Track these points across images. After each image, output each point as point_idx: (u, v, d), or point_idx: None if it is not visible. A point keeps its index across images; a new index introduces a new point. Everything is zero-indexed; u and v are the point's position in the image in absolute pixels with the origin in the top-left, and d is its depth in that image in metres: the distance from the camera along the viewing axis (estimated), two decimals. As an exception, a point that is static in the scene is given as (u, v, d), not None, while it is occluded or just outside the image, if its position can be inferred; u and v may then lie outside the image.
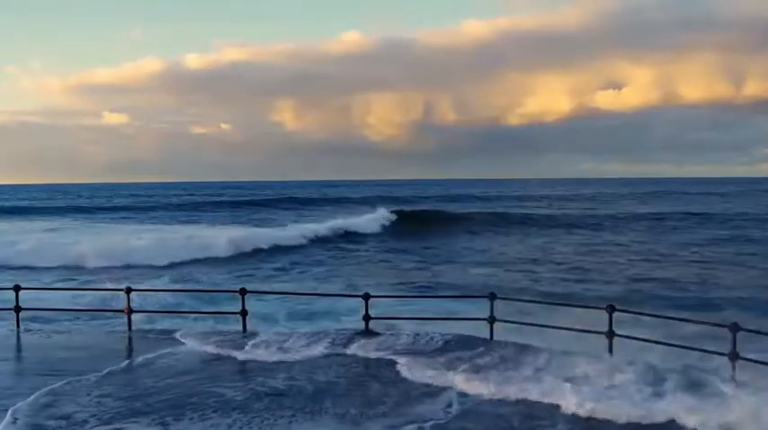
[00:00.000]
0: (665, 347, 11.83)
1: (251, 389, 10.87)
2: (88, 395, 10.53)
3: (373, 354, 12.91)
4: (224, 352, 13.14)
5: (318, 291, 23.63)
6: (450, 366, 11.81)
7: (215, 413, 9.69)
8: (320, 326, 15.66)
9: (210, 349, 13.37)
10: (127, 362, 12.60)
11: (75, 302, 19.63)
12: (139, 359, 12.77)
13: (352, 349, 13.22)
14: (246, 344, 13.55)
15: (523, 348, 12.97)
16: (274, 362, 12.44)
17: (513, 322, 14.27)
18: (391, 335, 14.18)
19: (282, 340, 13.82)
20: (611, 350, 12.33)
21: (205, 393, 10.56)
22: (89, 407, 9.95)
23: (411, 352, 12.94)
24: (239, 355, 12.94)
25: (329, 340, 13.72)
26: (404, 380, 11.44)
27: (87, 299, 19.51)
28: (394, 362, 12.28)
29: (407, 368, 11.89)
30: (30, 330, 15.65)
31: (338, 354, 12.97)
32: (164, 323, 16.32)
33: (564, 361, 11.73)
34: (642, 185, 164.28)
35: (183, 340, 14.09)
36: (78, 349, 13.74)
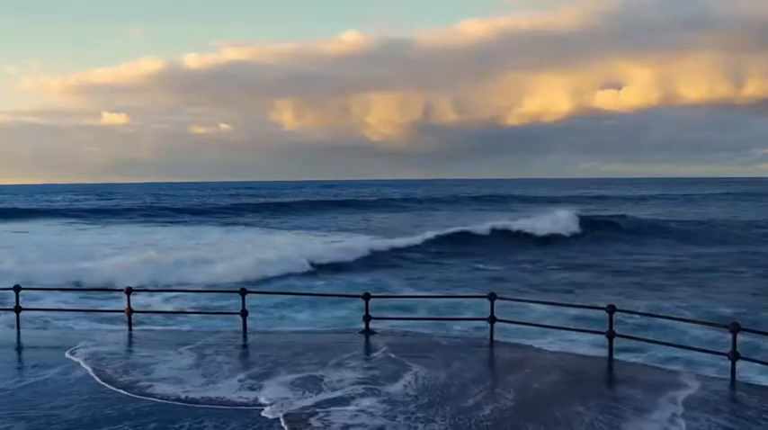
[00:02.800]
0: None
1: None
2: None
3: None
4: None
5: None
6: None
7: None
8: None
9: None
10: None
11: (82, 303, 19.65)
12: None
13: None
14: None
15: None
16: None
17: (512, 322, 14.26)
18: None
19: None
20: (611, 350, 12.30)
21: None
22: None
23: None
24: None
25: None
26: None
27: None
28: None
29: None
30: (28, 328, 15.69)
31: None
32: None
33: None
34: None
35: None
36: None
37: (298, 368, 11.63)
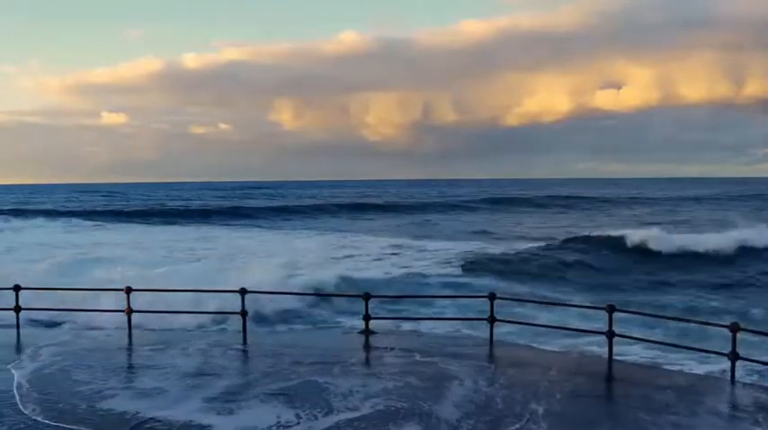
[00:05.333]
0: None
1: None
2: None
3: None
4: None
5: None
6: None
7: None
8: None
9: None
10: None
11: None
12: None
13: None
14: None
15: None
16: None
17: (512, 322, 14.25)
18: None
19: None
20: (610, 350, 12.29)
21: None
22: None
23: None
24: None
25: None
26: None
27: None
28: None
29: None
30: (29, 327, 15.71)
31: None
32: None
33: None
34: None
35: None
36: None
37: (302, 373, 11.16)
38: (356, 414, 9.04)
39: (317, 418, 8.88)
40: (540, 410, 9.16)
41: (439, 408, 9.24)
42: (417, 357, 12.22)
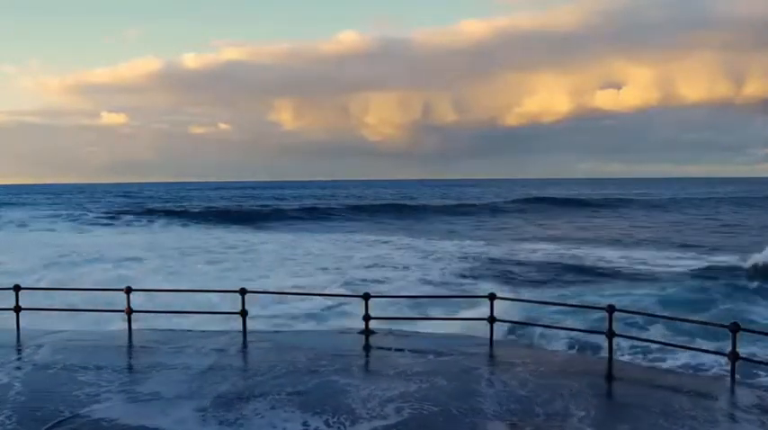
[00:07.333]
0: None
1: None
2: None
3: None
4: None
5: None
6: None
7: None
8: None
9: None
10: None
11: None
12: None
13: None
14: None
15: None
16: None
17: (512, 322, 14.27)
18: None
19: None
20: (610, 350, 12.30)
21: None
22: None
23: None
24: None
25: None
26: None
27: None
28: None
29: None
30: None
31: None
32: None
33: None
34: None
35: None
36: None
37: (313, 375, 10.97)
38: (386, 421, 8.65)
39: (345, 428, 8.47)
40: (576, 413, 9.05)
41: (467, 408, 9.20)
42: (431, 357, 12.25)
